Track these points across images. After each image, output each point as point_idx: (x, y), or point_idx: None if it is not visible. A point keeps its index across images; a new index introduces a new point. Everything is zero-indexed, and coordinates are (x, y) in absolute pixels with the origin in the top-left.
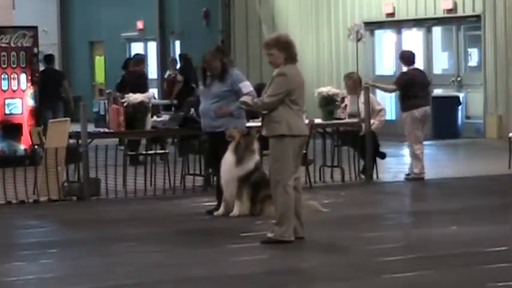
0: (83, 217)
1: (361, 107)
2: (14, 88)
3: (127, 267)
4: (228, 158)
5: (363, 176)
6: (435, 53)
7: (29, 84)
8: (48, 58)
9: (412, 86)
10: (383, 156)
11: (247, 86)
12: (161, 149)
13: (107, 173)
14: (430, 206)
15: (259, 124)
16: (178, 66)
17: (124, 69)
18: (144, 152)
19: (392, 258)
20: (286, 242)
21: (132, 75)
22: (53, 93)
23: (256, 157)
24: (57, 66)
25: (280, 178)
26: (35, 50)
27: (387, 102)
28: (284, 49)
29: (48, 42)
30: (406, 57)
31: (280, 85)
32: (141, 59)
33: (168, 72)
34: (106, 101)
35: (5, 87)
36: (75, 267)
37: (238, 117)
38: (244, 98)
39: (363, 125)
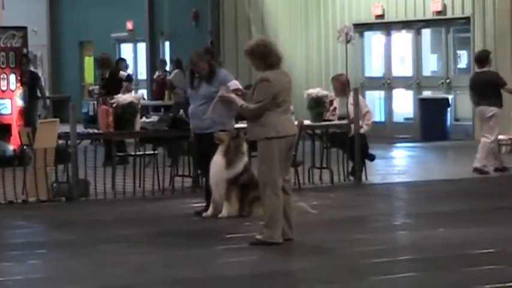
0: (72, 218)
1: (350, 108)
2: (3, 88)
3: (116, 268)
4: (218, 161)
5: (351, 178)
6: (424, 55)
7: (18, 84)
8: None
9: None
10: (372, 158)
11: (235, 84)
12: (153, 150)
13: (95, 174)
14: (419, 208)
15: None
16: (167, 67)
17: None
18: (132, 153)
19: (380, 260)
20: (275, 244)
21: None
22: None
23: (245, 159)
24: (46, 66)
25: (268, 180)
26: (25, 51)
27: (376, 104)
28: (262, 59)
29: (38, 43)
30: None
31: (265, 91)
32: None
33: (157, 73)
34: (95, 102)
35: None
36: (64, 268)
37: (227, 117)
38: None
39: (352, 127)
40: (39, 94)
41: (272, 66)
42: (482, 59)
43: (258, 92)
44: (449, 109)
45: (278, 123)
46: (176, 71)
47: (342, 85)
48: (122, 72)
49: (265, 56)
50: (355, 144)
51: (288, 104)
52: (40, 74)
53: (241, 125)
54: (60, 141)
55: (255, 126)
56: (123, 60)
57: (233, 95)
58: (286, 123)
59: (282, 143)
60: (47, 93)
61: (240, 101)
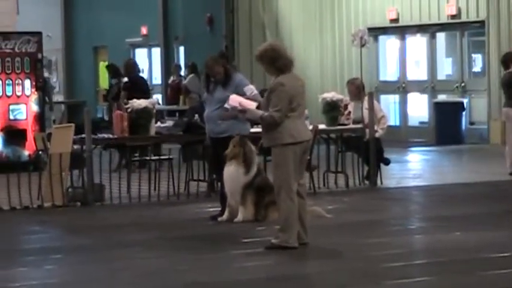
0: (87, 223)
1: (365, 112)
2: (19, 94)
3: (131, 273)
4: (231, 170)
5: (367, 182)
6: (439, 58)
7: (33, 89)
8: None
9: None
10: (387, 162)
11: (251, 89)
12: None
13: (111, 178)
14: (434, 212)
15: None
16: (182, 72)
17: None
18: (148, 158)
19: (395, 264)
20: (290, 248)
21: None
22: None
23: (257, 160)
24: (60, 71)
25: (283, 184)
26: (39, 56)
27: (391, 108)
28: (271, 63)
29: (52, 48)
30: None
31: (281, 96)
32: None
33: (171, 78)
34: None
35: (9, 93)
36: (79, 273)
37: (242, 122)
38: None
39: (367, 131)
40: (46, 99)
41: (282, 71)
42: (504, 60)
43: (275, 98)
44: (464, 113)
45: (293, 128)
46: (191, 75)
47: (356, 89)
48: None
49: (274, 60)
50: (370, 148)
51: (302, 108)
52: (55, 79)
53: (257, 129)
54: (75, 146)
55: (270, 132)
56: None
57: (248, 103)
58: (301, 128)
59: (296, 149)
60: (62, 98)
61: (257, 112)
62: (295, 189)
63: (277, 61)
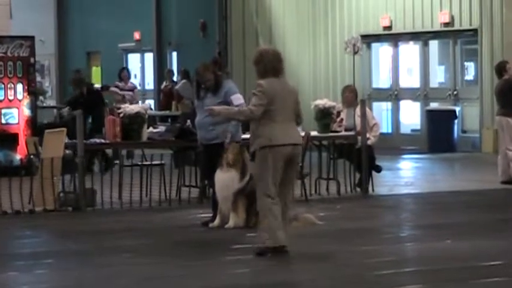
0: (79, 228)
1: (358, 120)
2: (11, 98)
3: (122, 279)
4: (223, 177)
5: (358, 189)
6: (432, 66)
7: (26, 94)
8: None
9: None
10: (379, 169)
11: (238, 99)
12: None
13: (102, 183)
14: (426, 220)
15: None
16: (175, 77)
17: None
18: (139, 163)
19: (387, 272)
20: (278, 248)
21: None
22: None
23: (248, 167)
24: (53, 76)
25: (260, 184)
26: (32, 60)
27: (383, 116)
28: (255, 65)
29: (45, 52)
30: None
31: (258, 95)
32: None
33: (164, 83)
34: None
35: (1, 97)
36: (70, 278)
37: (234, 129)
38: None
39: (359, 138)
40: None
41: (262, 74)
42: (498, 68)
43: (254, 97)
44: (456, 121)
45: (271, 133)
46: (183, 81)
47: (353, 96)
48: (96, 86)
49: (257, 63)
50: (362, 156)
51: (285, 114)
52: (47, 84)
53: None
54: (67, 151)
55: (254, 137)
56: (126, 69)
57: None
58: (279, 133)
59: (274, 152)
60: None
61: (232, 109)
62: (274, 193)
63: (258, 64)
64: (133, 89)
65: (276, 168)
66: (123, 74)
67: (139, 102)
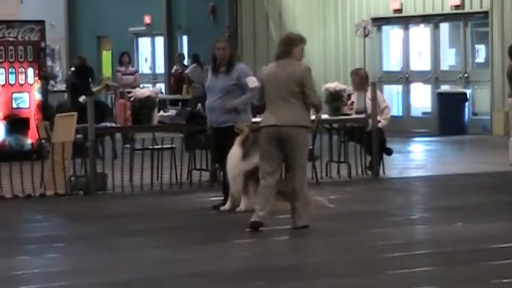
0: (90, 212)
1: (368, 103)
2: (22, 82)
3: (133, 262)
4: (234, 153)
5: (369, 172)
6: (442, 49)
7: (36, 78)
8: None
9: None
10: (390, 152)
11: (252, 81)
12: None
13: (113, 167)
14: (436, 203)
15: None
16: (185, 61)
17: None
18: (151, 147)
19: (398, 254)
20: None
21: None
22: None
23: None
24: (64, 60)
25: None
26: (42, 44)
27: (394, 99)
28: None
29: (56, 37)
30: None
31: (260, 82)
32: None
33: (175, 67)
34: (113, 96)
35: (12, 82)
36: (81, 262)
37: (244, 112)
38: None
39: (370, 121)
40: None
41: (277, 58)
42: (510, 51)
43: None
44: (467, 103)
45: (264, 115)
46: (193, 65)
47: (360, 79)
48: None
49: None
50: (372, 139)
51: (275, 96)
52: (58, 68)
53: (259, 119)
54: (78, 135)
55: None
56: (126, 53)
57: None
58: (266, 115)
59: (262, 134)
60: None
61: (246, 98)
62: (264, 172)
63: (278, 47)
64: (134, 73)
65: (264, 149)
66: (123, 58)
67: (141, 85)
